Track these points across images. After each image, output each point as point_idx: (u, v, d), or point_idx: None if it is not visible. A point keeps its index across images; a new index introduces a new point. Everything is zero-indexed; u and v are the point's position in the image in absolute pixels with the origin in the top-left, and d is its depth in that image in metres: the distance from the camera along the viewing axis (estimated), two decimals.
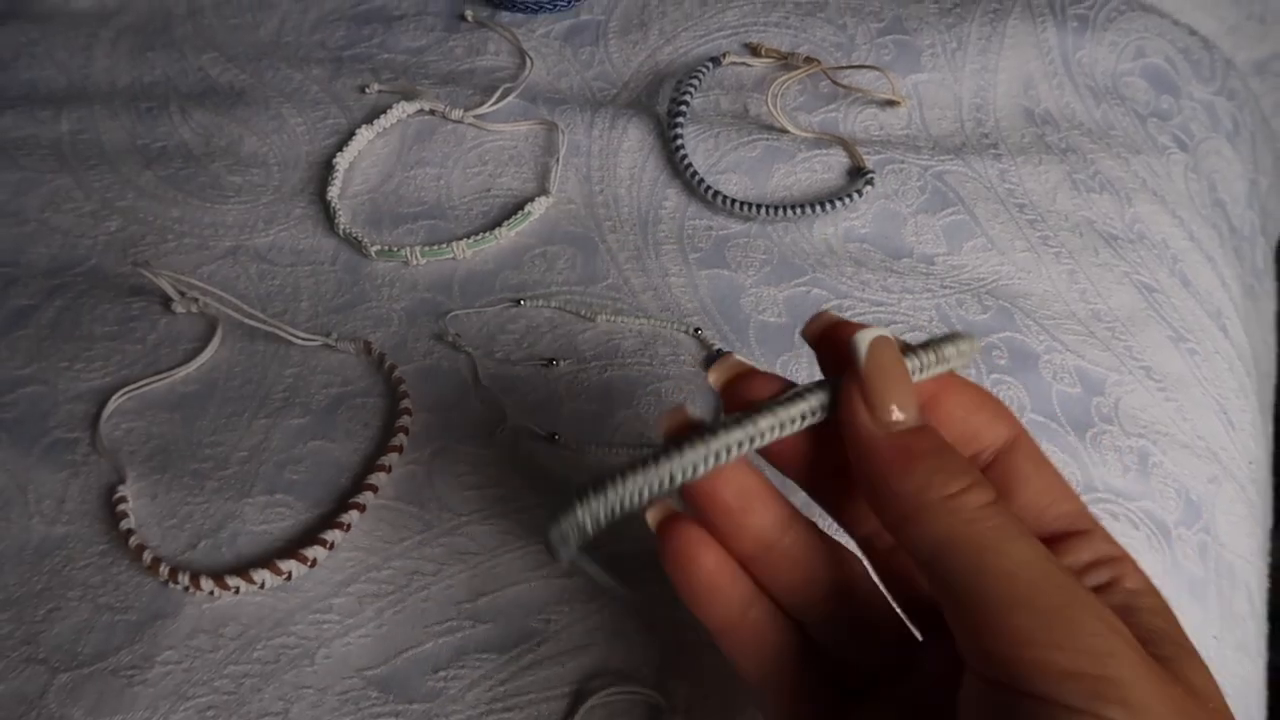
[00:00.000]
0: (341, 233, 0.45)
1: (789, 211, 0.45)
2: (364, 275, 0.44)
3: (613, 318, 0.42)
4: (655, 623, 0.34)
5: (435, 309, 0.43)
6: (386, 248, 0.44)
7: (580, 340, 0.42)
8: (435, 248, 0.44)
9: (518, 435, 0.39)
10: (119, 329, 0.43)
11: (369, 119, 0.49)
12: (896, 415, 0.23)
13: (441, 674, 0.33)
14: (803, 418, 0.24)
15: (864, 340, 0.24)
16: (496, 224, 0.45)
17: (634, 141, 0.49)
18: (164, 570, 0.35)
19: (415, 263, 0.44)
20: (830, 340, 0.26)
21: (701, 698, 0.33)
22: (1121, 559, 0.25)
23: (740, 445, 0.23)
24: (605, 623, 0.34)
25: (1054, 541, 0.25)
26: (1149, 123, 0.52)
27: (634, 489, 0.23)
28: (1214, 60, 0.57)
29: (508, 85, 0.50)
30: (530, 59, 0.53)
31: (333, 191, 0.46)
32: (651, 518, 0.26)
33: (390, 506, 0.36)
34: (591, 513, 0.23)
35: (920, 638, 0.27)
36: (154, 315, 0.43)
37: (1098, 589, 0.24)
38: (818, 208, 0.45)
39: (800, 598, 0.26)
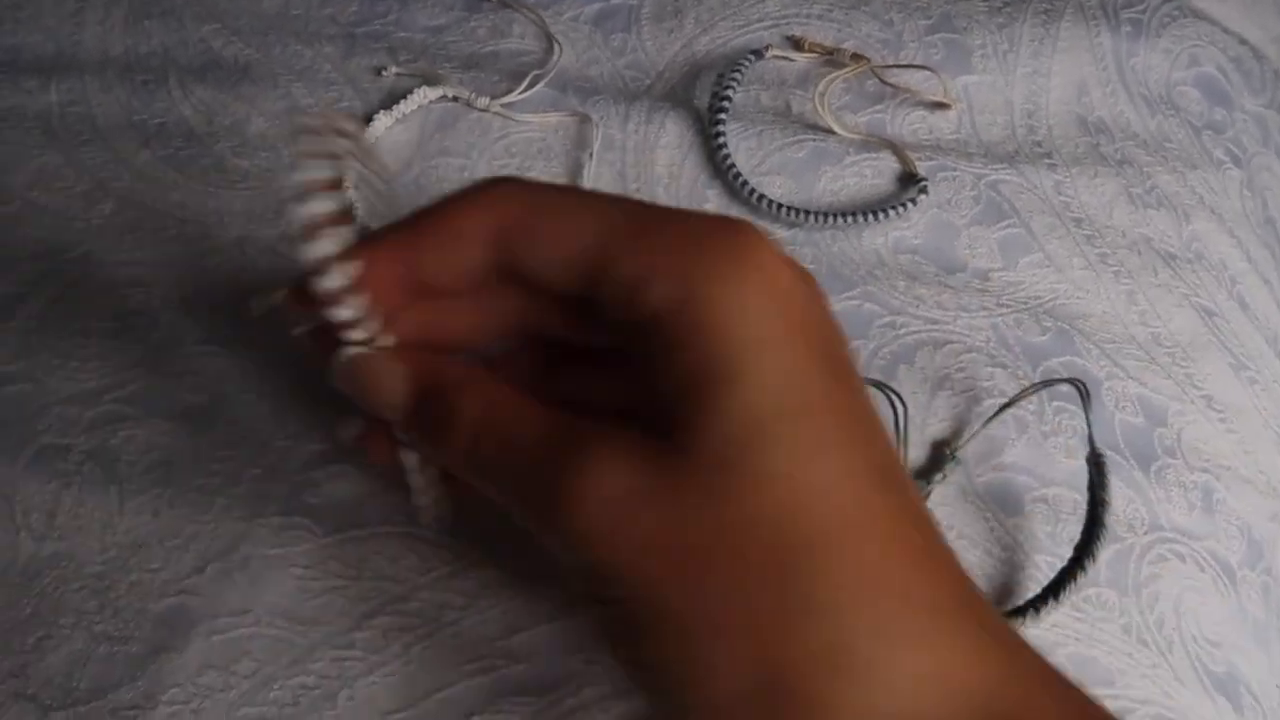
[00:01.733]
0: (359, 226, 0.42)
1: (839, 219, 0.42)
2: None
3: None
4: None
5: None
6: None
7: None
8: None
9: None
10: (117, 324, 0.39)
11: (387, 104, 0.46)
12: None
13: (475, 719, 0.30)
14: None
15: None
16: None
17: (672, 137, 0.46)
18: None
19: None
20: None
21: None
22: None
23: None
24: None
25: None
26: (1203, 135, 0.50)
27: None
28: (1264, 71, 0.55)
29: (536, 72, 0.47)
30: (559, 44, 0.49)
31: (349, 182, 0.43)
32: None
33: (417, 534, 0.34)
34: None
35: None
36: (155, 311, 0.40)
37: None
38: (870, 216, 0.42)
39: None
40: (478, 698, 0.31)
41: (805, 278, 0.24)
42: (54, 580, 0.33)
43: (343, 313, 0.25)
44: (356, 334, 0.26)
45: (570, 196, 0.25)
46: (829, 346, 0.23)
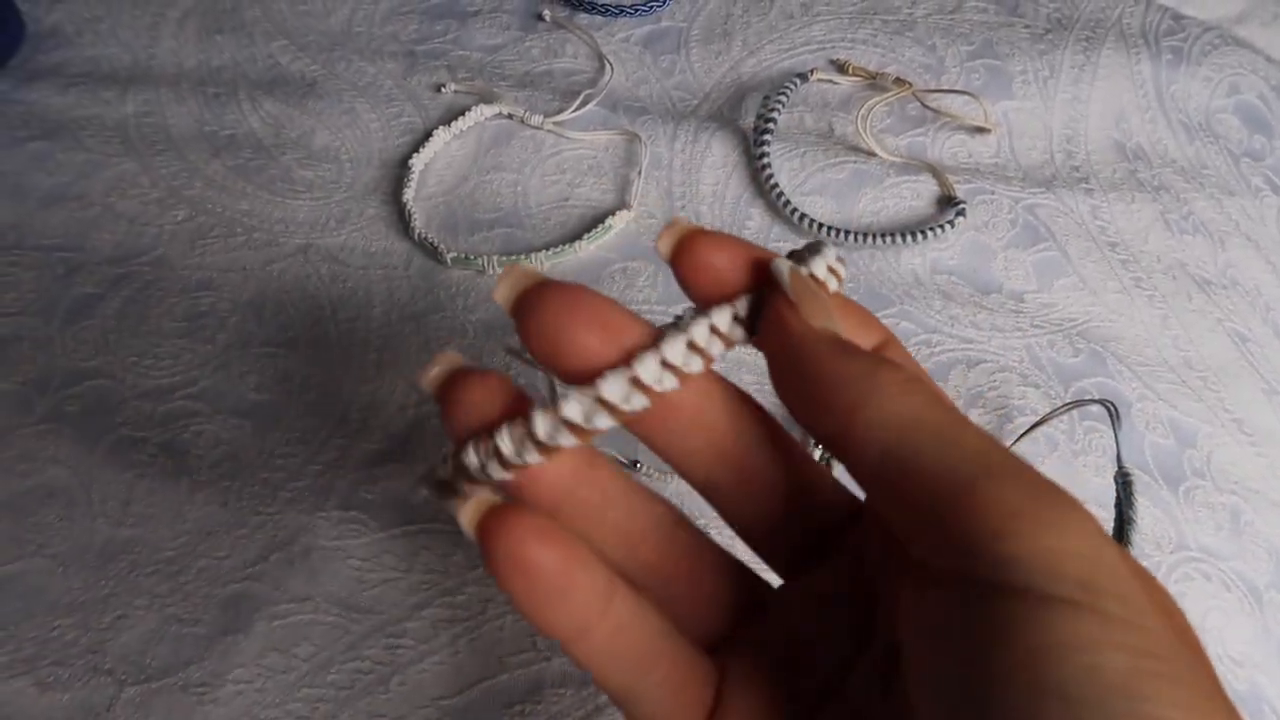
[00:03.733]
0: (416, 237, 0.44)
1: (878, 239, 0.43)
2: (438, 282, 0.43)
3: None
4: None
5: (511, 322, 0.42)
6: (462, 255, 0.43)
7: None
8: (513, 258, 0.43)
9: None
10: (188, 325, 0.42)
11: (445, 119, 0.48)
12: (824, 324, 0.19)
13: (517, 708, 0.32)
14: (714, 333, 0.19)
15: (784, 266, 0.20)
16: (575, 235, 0.44)
17: (718, 157, 0.47)
18: None
19: (492, 272, 0.43)
20: (693, 258, 0.20)
21: None
22: None
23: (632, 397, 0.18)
24: None
25: None
26: (1242, 163, 0.50)
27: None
28: None
29: (588, 92, 0.49)
30: (610, 64, 0.51)
31: (408, 193, 0.45)
32: (467, 519, 0.18)
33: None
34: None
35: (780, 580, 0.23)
36: (223, 314, 0.42)
37: None
38: (908, 237, 0.43)
39: (705, 458, 0.21)
40: (521, 688, 0.33)
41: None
42: (129, 564, 0.35)
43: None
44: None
45: None
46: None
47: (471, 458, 0.18)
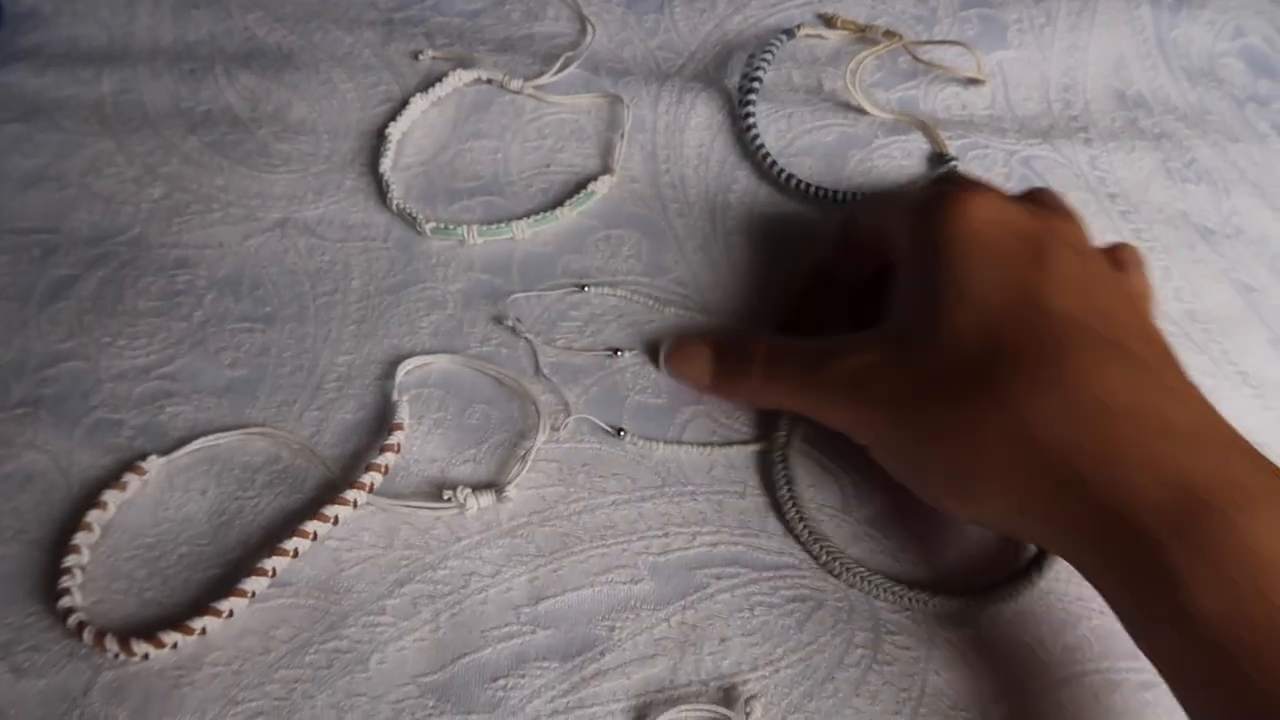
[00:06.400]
0: (394, 208, 0.43)
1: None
2: (417, 254, 0.42)
3: (681, 313, 0.39)
4: (728, 634, 0.32)
5: (493, 292, 0.41)
6: (442, 225, 0.42)
7: (646, 330, 0.39)
8: (494, 227, 0.42)
9: (580, 429, 0.37)
10: (163, 304, 0.41)
11: (423, 87, 0.47)
12: None
13: (501, 682, 0.32)
14: None
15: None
16: (557, 202, 0.43)
17: (702, 118, 0.46)
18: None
19: (472, 242, 0.42)
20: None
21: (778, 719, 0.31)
22: None
23: None
24: (672, 632, 0.33)
25: None
26: (1247, 108, 0.49)
27: None
28: None
29: (569, 54, 0.48)
30: (592, 26, 0.50)
31: (385, 164, 0.44)
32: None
33: (444, 506, 0.35)
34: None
35: None
36: (200, 290, 0.41)
37: None
38: None
39: None
40: (504, 662, 0.32)
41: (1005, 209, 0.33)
42: (107, 549, 0.35)
43: None
44: None
45: None
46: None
47: None
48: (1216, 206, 0.44)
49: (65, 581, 0.33)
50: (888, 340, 0.32)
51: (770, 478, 0.36)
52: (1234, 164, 0.46)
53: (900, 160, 0.45)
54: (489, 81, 0.48)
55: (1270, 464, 0.27)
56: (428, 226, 0.42)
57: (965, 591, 0.33)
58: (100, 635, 0.31)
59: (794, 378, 0.34)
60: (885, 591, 0.33)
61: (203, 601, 0.33)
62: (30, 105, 0.49)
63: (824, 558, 0.34)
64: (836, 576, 0.34)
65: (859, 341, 0.33)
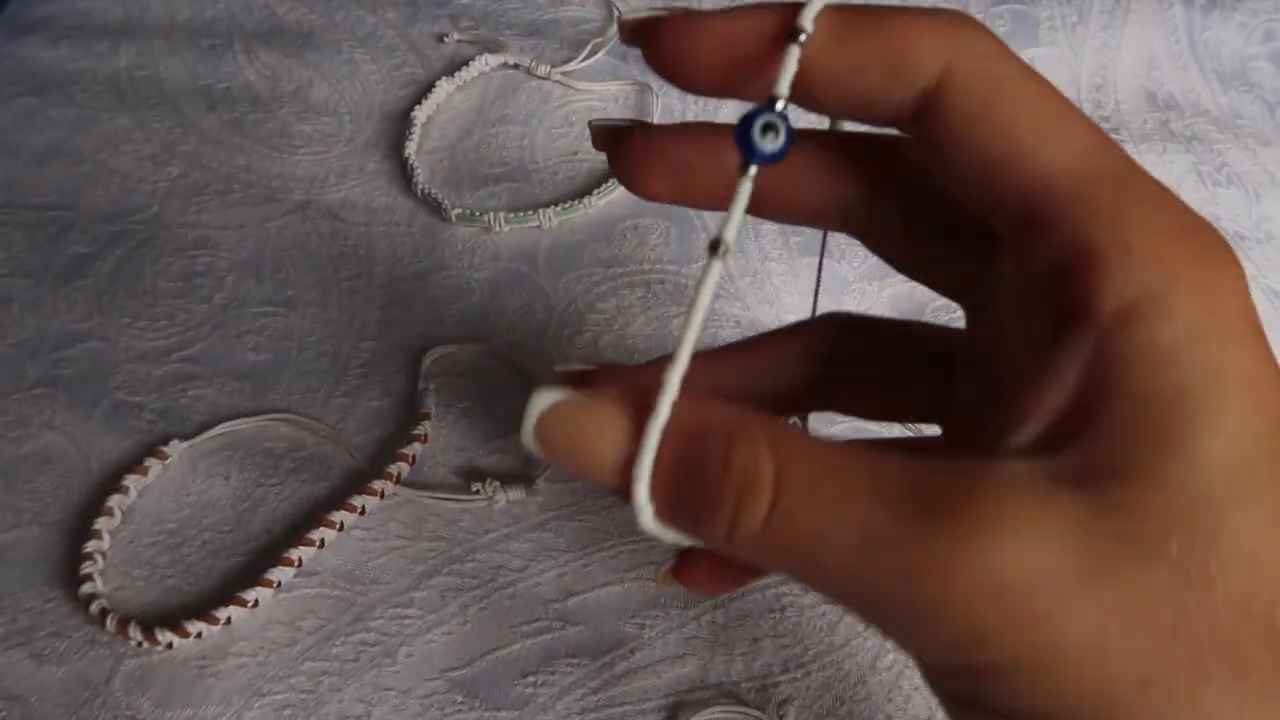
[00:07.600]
0: (419, 192, 0.42)
1: None
2: (442, 240, 0.42)
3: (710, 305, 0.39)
4: (759, 635, 0.32)
5: (519, 281, 0.40)
6: (468, 211, 0.41)
7: (675, 325, 0.39)
8: (521, 214, 0.41)
9: None
10: (183, 285, 0.40)
11: (449, 70, 0.46)
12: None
13: (530, 679, 0.31)
14: None
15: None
16: (584, 191, 0.42)
17: (732, 108, 0.45)
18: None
19: (499, 230, 0.41)
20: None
21: None
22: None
23: None
24: (703, 630, 0.32)
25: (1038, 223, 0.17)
26: (1277, 111, 0.48)
27: None
28: None
29: (597, 40, 0.47)
30: (619, 10, 0.49)
31: (410, 147, 0.43)
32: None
33: (471, 497, 0.34)
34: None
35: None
36: (220, 272, 0.41)
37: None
38: None
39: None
40: (533, 658, 0.31)
41: None
42: (128, 535, 0.34)
43: None
44: None
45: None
46: None
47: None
48: (1248, 211, 0.44)
49: (87, 567, 0.32)
50: (1103, 507, 0.15)
51: None
52: (1264, 168, 0.46)
53: None
54: (515, 66, 0.47)
55: None
56: (454, 213, 0.41)
57: None
58: (124, 623, 0.31)
59: (855, 538, 0.15)
60: None
61: (227, 590, 0.32)
62: (43, 79, 0.49)
63: None
64: None
65: (1020, 492, 0.15)
